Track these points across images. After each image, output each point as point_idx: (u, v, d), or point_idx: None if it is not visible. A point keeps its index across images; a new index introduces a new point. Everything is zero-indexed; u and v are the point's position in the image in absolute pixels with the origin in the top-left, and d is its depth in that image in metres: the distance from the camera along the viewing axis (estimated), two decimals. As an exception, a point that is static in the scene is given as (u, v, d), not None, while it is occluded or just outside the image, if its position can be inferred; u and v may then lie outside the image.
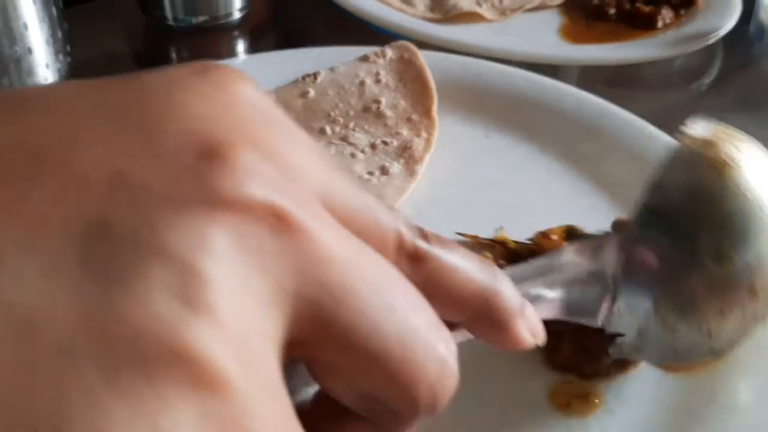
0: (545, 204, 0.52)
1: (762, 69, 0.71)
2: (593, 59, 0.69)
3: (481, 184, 0.53)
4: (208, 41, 0.72)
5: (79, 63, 0.63)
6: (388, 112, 0.57)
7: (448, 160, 0.55)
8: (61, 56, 0.59)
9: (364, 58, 0.60)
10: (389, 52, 0.60)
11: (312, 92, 0.57)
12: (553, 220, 0.48)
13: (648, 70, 0.74)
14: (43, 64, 0.58)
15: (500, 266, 0.46)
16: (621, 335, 0.34)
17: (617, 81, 0.72)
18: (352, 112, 0.57)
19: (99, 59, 0.68)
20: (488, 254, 0.47)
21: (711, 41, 0.70)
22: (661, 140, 0.56)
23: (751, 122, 0.70)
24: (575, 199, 0.52)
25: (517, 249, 0.47)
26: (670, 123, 0.60)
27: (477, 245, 0.48)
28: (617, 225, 0.49)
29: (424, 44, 0.64)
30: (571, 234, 0.47)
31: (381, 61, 0.60)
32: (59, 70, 0.59)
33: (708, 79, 0.74)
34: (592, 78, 0.69)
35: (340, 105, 0.57)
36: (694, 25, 0.73)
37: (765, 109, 0.71)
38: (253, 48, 0.73)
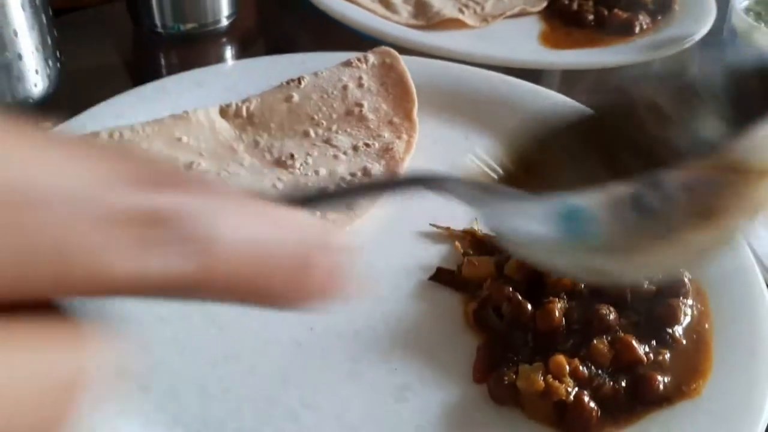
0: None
1: (736, 73, 0.73)
2: (572, 64, 0.71)
3: (461, 184, 0.55)
4: (196, 48, 0.74)
5: (70, 69, 0.64)
6: (370, 116, 0.58)
7: (428, 161, 0.57)
8: (50, 62, 0.61)
9: (347, 63, 0.61)
10: (371, 57, 0.62)
11: (296, 96, 0.59)
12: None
13: (626, 75, 0.76)
14: (33, 70, 0.59)
15: (466, 255, 0.48)
16: None
17: (597, 87, 0.74)
18: (335, 116, 0.58)
19: (89, 66, 0.69)
20: (458, 244, 0.50)
21: (687, 45, 0.72)
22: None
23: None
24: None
25: (483, 239, 0.49)
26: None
27: (450, 236, 0.51)
28: None
29: (407, 50, 0.66)
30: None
31: (363, 66, 0.61)
32: (49, 76, 0.61)
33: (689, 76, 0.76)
34: (573, 85, 0.71)
35: (324, 108, 0.58)
36: (671, 30, 0.75)
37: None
38: (241, 54, 0.75)
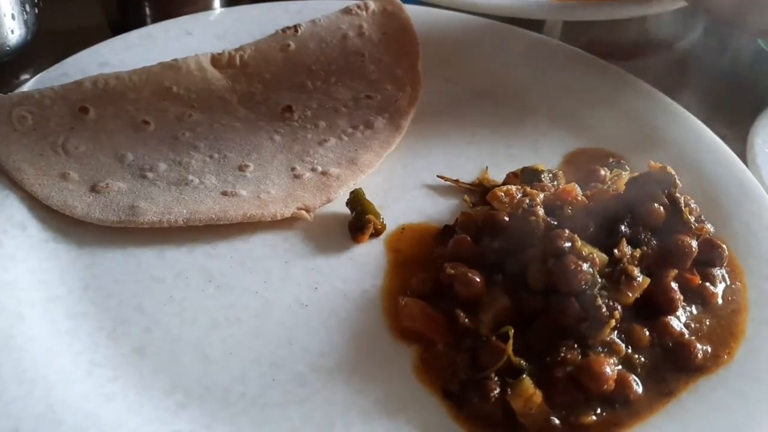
0: (531, 157, 0.51)
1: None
2: (577, 15, 0.67)
3: (466, 138, 0.52)
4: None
5: (49, 15, 0.60)
6: (372, 67, 0.55)
7: (433, 116, 0.54)
8: (27, 7, 0.57)
9: (347, 11, 0.58)
10: (372, 4, 0.58)
11: (293, 45, 0.55)
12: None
13: (632, 29, 0.73)
14: (9, 15, 0.55)
15: (474, 205, 0.45)
16: None
17: (601, 42, 0.71)
18: (334, 66, 0.55)
19: (70, 13, 0.65)
20: (467, 197, 0.47)
21: (695, -1, 0.69)
22: (652, 95, 0.55)
23: (733, 79, 0.70)
24: (561, 152, 0.52)
25: (492, 188, 0.46)
26: (655, 80, 0.59)
27: (458, 188, 0.48)
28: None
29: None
30: (527, 172, 0.47)
31: (364, 13, 0.58)
32: (26, 22, 0.57)
33: (693, 37, 0.73)
34: (576, 40, 0.68)
35: (322, 59, 0.55)
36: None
37: (748, 66, 0.70)
38: (229, 2, 0.71)
